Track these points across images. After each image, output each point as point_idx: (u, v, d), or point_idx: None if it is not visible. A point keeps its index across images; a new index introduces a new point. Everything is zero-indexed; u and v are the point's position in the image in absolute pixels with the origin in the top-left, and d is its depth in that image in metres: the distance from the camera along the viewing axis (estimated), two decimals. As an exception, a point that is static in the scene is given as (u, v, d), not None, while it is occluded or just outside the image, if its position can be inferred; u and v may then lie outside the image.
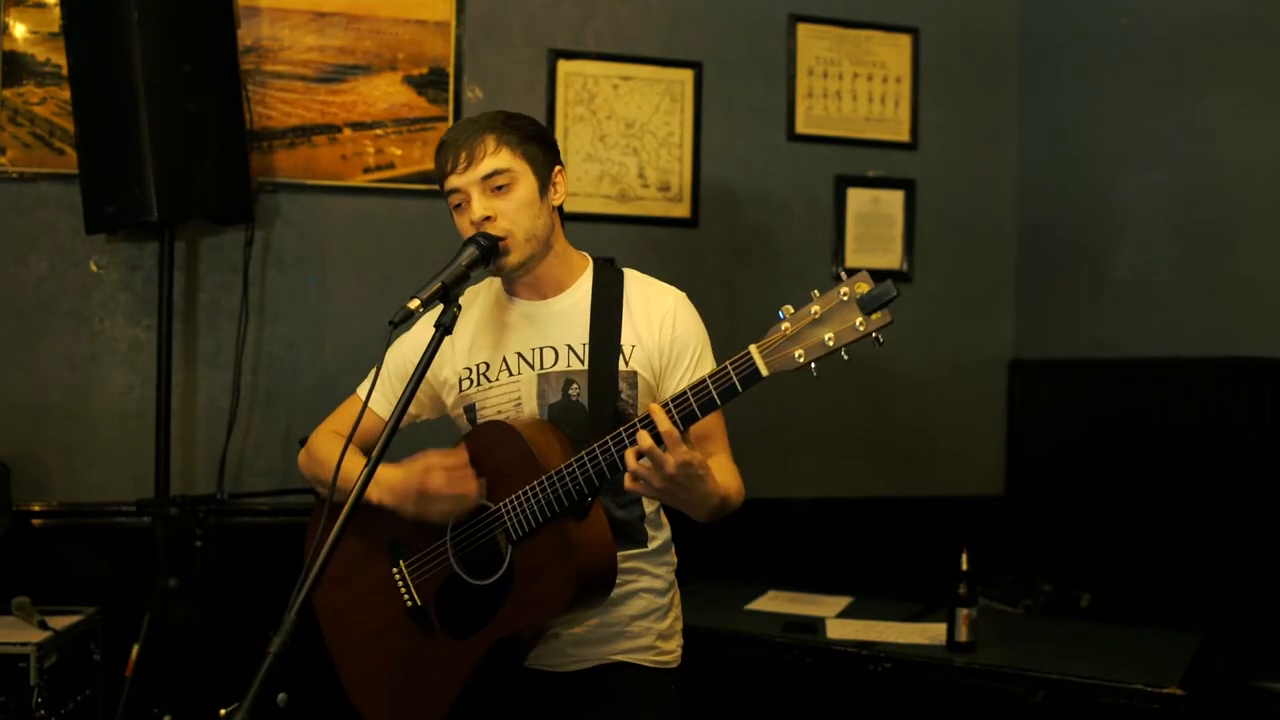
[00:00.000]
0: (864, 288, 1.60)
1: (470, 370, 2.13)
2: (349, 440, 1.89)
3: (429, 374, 2.10)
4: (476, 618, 2.00)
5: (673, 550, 2.20)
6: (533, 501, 1.92)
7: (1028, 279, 4.20)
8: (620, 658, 2.09)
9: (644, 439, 1.73)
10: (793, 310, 1.67)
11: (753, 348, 1.69)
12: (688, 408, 1.75)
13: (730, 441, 2.12)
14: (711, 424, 2.05)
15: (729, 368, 1.72)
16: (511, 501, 1.95)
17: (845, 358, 1.63)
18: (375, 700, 2.14)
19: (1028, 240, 4.20)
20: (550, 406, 2.06)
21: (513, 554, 1.97)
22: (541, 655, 2.09)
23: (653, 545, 2.12)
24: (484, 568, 2.00)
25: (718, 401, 1.74)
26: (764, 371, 1.68)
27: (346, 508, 1.73)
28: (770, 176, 4.00)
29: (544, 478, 1.91)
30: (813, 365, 1.65)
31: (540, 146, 2.07)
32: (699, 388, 1.75)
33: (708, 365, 2.07)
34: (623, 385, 2.02)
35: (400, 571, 2.12)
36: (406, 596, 2.10)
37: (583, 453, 1.87)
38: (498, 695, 2.10)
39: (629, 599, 2.09)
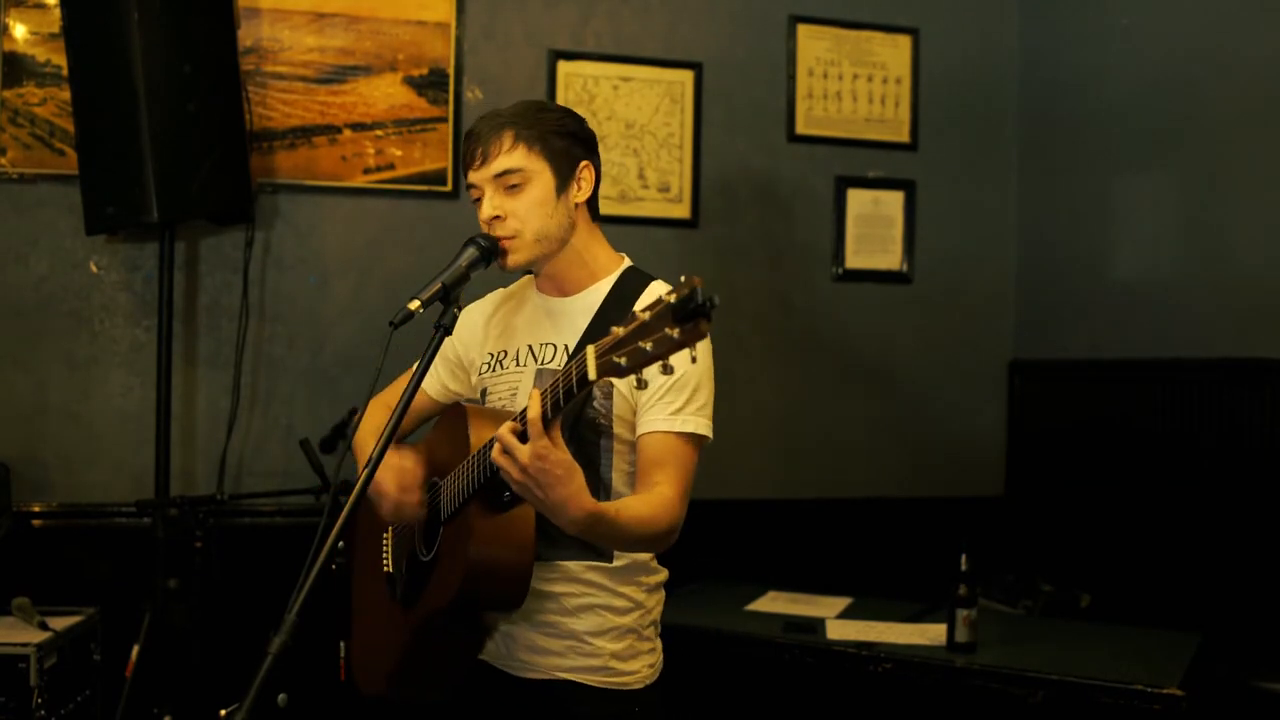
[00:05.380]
0: (684, 293, 1.46)
1: (491, 356, 2.15)
2: (392, 420, 1.84)
3: (463, 353, 2.19)
4: (418, 591, 2.03)
5: (654, 575, 2.09)
6: (454, 483, 1.92)
7: (1028, 279, 4.20)
8: (569, 676, 2.01)
9: (503, 431, 1.71)
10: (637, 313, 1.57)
11: (589, 348, 1.60)
12: (544, 405, 1.70)
13: (730, 442, 2.08)
14: (664, 451, 1.94)
15: (571, 368, 1.66)
16: (446, 480, 1.96)
17: (666, 369, 1.52)
18: (359, 651, 2.27)
19: (1027, 241, 4.21)
20: None
21: (442, 533, 1.98)
22: (499, 654, 2.07)
23: (618, 563, 2.01)
24: (430, 543, 2.02)
25: (561, 403, 1.68)
26: (591, 375, 1.59)
27: (349, 505, 1.74)
28: (770, 177, 4.00)
29: (464, 462, 1.91)
30: (638, 374, 1.54)
31: (567, 141, 2.01)
32: (550, 386, 1.70)
33: (685, 394, 1.94)
34: (597, 393, 1.97)
35: (387, 536, 2.20)
36: (386, 561, 2.18)
37: (483, 445, 1.85)
38: (461, 687, 2.11)
39: (583, 613, 2.00)
